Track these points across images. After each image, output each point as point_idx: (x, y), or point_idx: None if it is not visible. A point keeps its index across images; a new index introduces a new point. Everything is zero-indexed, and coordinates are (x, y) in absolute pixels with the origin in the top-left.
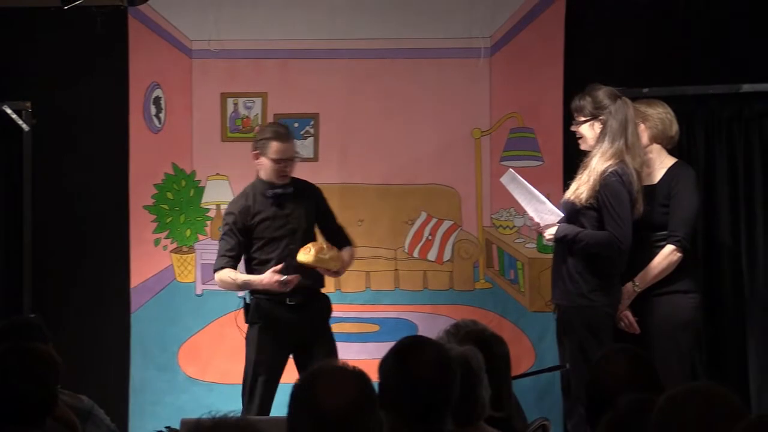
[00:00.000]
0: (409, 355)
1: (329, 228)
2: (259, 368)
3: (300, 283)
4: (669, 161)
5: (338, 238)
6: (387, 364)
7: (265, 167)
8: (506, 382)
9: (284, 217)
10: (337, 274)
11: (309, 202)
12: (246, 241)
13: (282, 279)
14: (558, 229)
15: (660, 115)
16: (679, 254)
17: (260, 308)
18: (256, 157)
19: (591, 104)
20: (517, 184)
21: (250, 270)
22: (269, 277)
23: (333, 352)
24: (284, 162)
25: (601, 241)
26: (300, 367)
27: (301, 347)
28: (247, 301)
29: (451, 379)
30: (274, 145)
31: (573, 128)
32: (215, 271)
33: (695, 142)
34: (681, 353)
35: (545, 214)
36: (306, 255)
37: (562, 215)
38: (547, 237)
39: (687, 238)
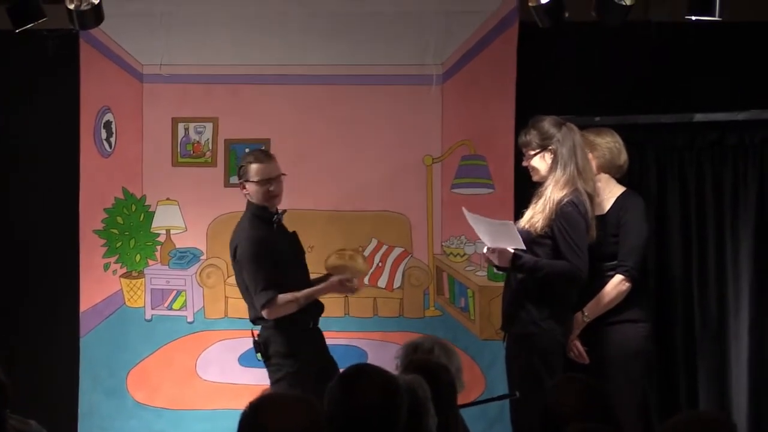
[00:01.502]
0: (354, 382)
1: None
2: None
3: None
4: (618, 190)
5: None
6: (332, 393)
7: (253, 193)
8: (453, 411)
9: (288, 242)
10: (352, 291)
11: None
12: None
13: (345, 280)
14: (514, 256)
15: (608, 144)
16: (628, 284)
17: (291, 339)
18: (243, 187)
19: (537, 137)
20: (479, 222)
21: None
22: (331, 282)
23: None
24: (268, 182)
25: (562, 271)
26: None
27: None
28: (257, 338)
29: (397, 406)
30: (254, 168)
31: (525, 164)
32: (267, 304)
33: (647, 171)
34: (632, 382)
35: (503, 242)
36: (341, 259)
37: (522, 247)
38: (496, 263)
39: (636, 268)
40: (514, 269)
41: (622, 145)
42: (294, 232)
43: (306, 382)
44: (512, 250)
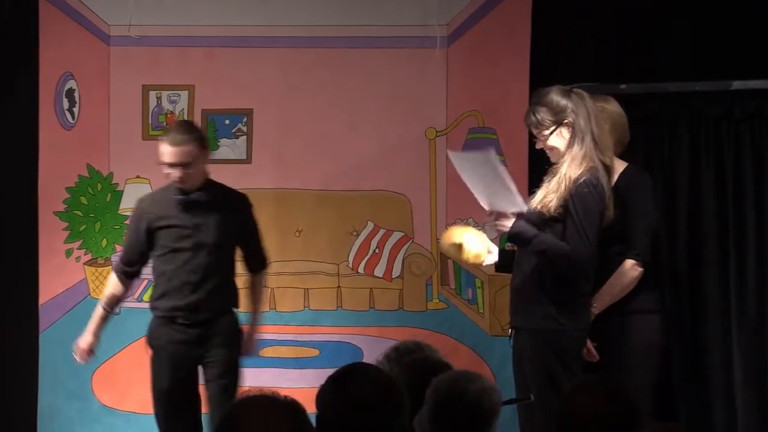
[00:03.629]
0: (348, 382)
1: (248, 249)
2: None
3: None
4: (620, 165)
5: (253, 260)
6: (324, 394)
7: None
8: None
9: (192, 228)
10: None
11: (231, 216)
12: (147, 244)
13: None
14: (514, 223)
15: (619, 119)
16: (640, 269)
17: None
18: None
19: (549, 113)
20: (477, 163)
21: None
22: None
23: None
24: (168, 167)
25: (563, 253)
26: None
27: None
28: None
29: (396, 410)
30: (160, 147)
31: (539, 146)
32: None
33: (678, 145)
34: (646, 379)
35: (503, 202)
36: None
37: (524, 209)
38: (495, 231)
39: (647, 251)
40: (510, 238)
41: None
42: (219, 222)
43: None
44: (512, 215)
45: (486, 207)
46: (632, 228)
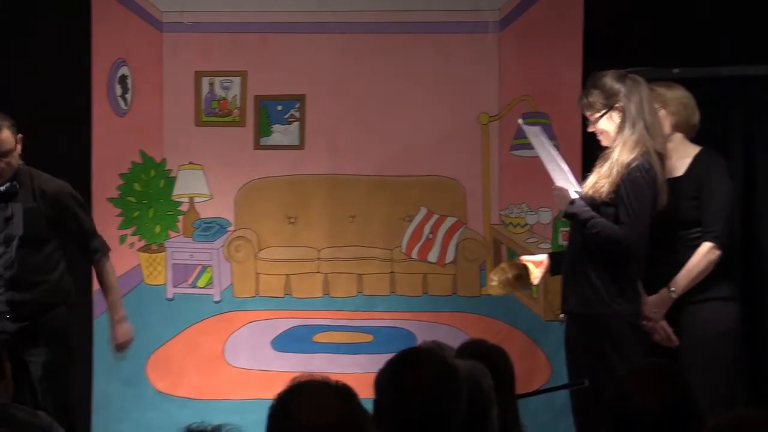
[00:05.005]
0: (408, 367)
1: (76, 240)
2: None
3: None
4: (692, 150)
5: (85, 251)
6: (382, 379)
7: None
8: (512, 403)
9: (2, 221)
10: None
11: (44, 206)
12: None
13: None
14: (573, 203)
15: (682, 99)
16: (718, 252)
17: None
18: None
19: (601, 95)
20: (541, 140)
21: None
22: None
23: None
24: None
25: (613, 237)
26: None
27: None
28: None
29: (456, 396)
30: None
31: (590, 129)
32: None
33: (732, 131)
34: (720, 369)
35: (562, 181)
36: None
37: (579, 190)
38: (559, 205)
39: (725, 234)
40: (566, 217)
41: (694, 100)
42: (28, 213)
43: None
44: (572, 193)
45: (555, 180)
46: (709, 210)
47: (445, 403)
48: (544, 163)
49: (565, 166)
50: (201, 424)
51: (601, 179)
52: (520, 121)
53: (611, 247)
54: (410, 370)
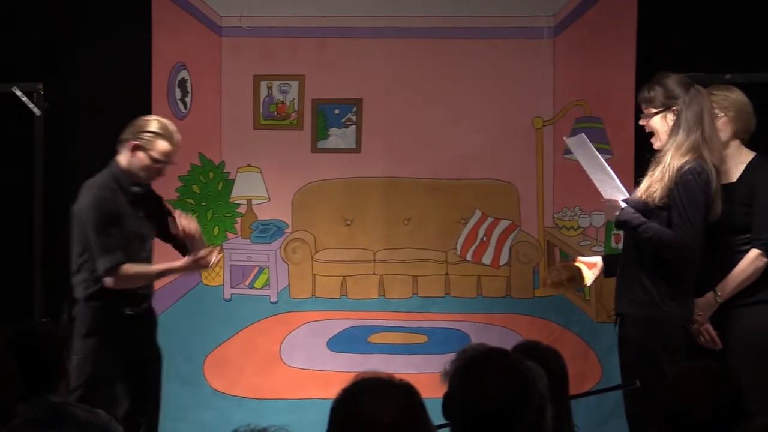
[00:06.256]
0: (478, 369)
1: (171, 236)
2: (104, 385)
3: (143, 291)
4: (747, 155)
5: (180, 242)
6: (457, 376)
7: (137, 162)
8: (565, 404)
9: (137, 219)
10: (206, 265)
11: (157, 209)
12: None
13: (203, 255)
14: (622, 211)
15: (744, 107)
16: (765, 259)
17: (97, 318)
18: (135, 148)
19: (662, 94)
20: (586, 150)
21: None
22: (186, 261)
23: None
24: (164, 164)
25: (667, 241)
26: (130, 385)
27: (132, 364)
28: (73, 312)
29: (529, 399)
30: (161, 144)
31: (642, 122)
32: (110, 270)
33: None
34: (765, 370)
35: (610, 189)
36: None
37: (628, 196)
38: (608, 216)
39: None
40: (617, 225)
41: (751, 106)
42: (152, 215)
43: (99, 371)
44: (622, 202)
45: (603, 194)
46: (760, 217)
47: (519, 405)
48: (591, 175)
49: (612, 173)
50: (248, 426)
51: (653, 184)
52: (565, 138)
53: (664, 251)
54: (480, 373)
